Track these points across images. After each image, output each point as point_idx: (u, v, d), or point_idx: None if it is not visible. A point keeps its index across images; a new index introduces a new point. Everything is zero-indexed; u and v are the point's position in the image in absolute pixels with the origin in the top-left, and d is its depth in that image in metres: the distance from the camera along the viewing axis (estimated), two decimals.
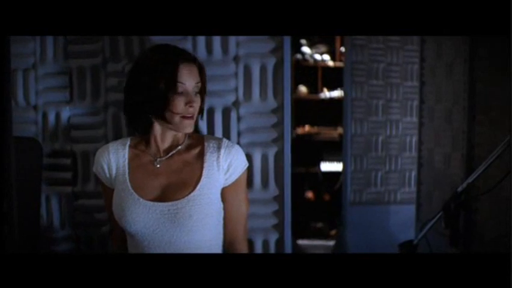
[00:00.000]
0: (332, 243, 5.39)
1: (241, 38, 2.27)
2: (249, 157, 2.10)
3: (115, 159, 1.90)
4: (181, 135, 1.90)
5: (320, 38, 6.66)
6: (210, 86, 2.01)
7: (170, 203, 1.82)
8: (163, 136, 1.88)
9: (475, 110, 3.08)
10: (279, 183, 2.30)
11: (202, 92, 1.87)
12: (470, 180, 2.02)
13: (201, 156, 1.88)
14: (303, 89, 6.66)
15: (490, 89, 2.93)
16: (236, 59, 2.28)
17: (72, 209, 2.38)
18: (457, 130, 3.27)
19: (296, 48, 6.63)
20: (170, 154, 1.88)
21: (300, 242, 5.51)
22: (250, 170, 2.00)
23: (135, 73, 1.85)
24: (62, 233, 2.38)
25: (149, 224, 1.81)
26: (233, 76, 2.28)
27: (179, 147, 1.89)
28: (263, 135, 2.29)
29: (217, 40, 2.27)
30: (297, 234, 5.44)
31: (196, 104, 1.82)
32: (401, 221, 4.49)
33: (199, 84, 1.84)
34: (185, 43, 2.23)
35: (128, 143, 1.93)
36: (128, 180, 1.87)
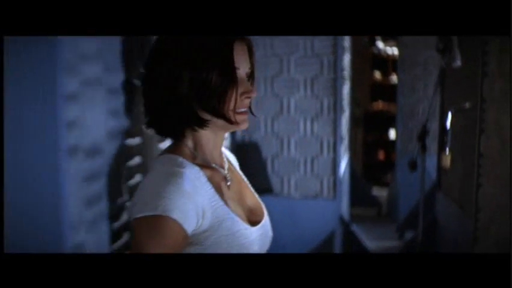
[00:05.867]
0: None
1: None
2: None
3: (200, 195, 1.27)
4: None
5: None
6: None
7: (261, 223, 1.43)
8: (215, 141, 1.39)
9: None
10: None
11: (253, 77, 1.38)
12: None
13: (232, 165, 1.52)
14: None
15: None
16: None
17: None
18: None
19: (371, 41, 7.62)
20: (227, 165, 1.45)
21: None
22: None
23: (161, 61, 1.29)
24: None
25: (255, 250, 1.39)
26: None
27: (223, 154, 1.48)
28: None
29: None
30: None
31: (253, 94, 1.35)
32: None
33: (251, 69, 1.36)
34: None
35: (189, 162, 1.31)
36: (231, 212, 1.33)
